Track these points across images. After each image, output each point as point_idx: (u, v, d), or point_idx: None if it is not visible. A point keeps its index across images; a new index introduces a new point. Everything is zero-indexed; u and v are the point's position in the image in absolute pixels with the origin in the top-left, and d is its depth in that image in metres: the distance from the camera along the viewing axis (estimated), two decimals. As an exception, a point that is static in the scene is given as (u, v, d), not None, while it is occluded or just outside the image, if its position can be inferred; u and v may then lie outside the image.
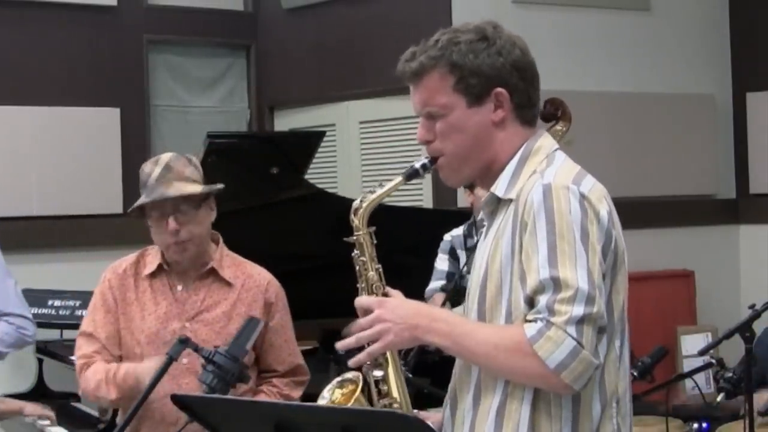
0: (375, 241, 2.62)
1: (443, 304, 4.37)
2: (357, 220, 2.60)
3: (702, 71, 7.43)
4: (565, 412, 2.39)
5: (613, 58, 7.05)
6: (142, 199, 3.50)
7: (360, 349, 2.48)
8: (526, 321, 2.32)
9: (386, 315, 2.42)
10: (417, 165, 2.56)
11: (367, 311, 2.45)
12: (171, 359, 3.17)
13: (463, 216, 5.08)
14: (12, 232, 6.90)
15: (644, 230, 6.84)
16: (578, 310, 2.28)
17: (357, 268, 2.61)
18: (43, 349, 5.70)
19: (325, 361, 4.84)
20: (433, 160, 2.54)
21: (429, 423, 2.25)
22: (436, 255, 5.09)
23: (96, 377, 3.53)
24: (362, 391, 2.72)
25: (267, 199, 5.34)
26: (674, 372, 6.00)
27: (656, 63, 7.21)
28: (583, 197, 2.38)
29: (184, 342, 3.18)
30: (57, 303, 6.02)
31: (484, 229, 2.58)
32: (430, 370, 4.11)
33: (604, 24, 7.05)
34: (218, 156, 4.96)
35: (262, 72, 7.93)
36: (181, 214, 3.49)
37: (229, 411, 2.55)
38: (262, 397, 3.56)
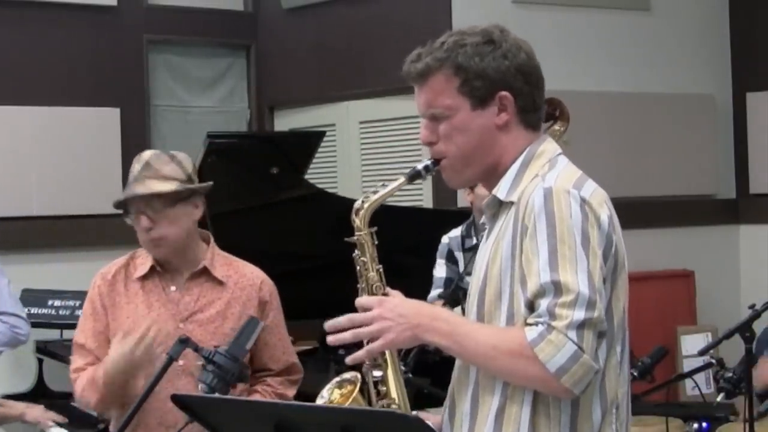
0: (376, 242, 2.62)
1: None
2: (358, 221, 2.60)
3: (702, 71, 7.43)
4: (564, 416, 2.39)
5: (613, 58, 7.05)
6: (118, 198, 3.53)
7: (359, 346, 2.48)
8: (527, 324, 2.32)
9: (387, 313, 2.42)
10: (419, 166, 2.56)
11: (367, 310, 2.45)
12: (171, 359, 3.17)
13: (463, 216, 5.08)
14: (12, 232, 6.91)
15: (644, 230, 6.83)
16: (579, 314, 2.28)
17: (358, 268, 2.61)
18: (43, 349, 5.70)
19: (325, 361, 4.84)
20: (436, 161, 2.54)
21: (429, 423, 2.25)
22: (436, 255, 5.08)
23: (81, 383, 3.54)
24: (361, 391, 2.72)
25: (267, 199, 5.34)
26: (674, 372, 6.00)
27: (656, 63, 7.20)
28: (584, 201, 2.38)
29: (184, 342, 3.18)
30: (57, 303, 6.02)
31: (486, 232, 2.58)
32: (430, 370, 4.10)
33: (604, 24, 7.05)
34: (218, 156, 4.96)
35: (262, 72, 7.93)
36: (154, 212, 3.48)
37: (229, 411, 2.55)
38: (256, 397, 3.54)
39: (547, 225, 2.35)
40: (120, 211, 3.60)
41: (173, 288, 3.58)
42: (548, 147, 2.53)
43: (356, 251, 2.61)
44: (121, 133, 7.29)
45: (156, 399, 3.33)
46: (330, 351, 4.90)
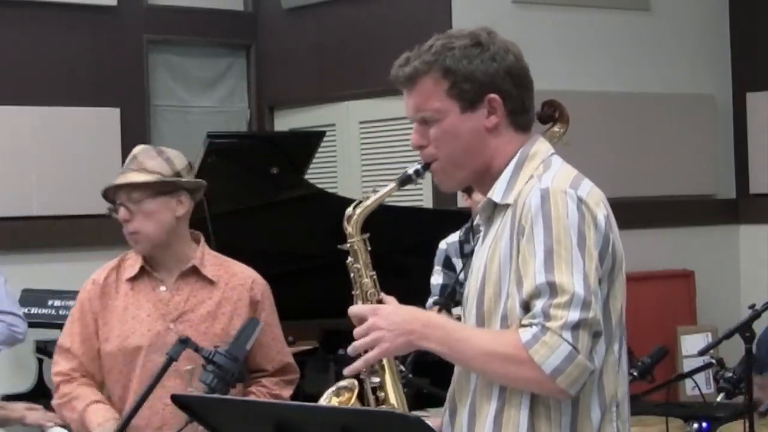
0: (369, 248, 2.61)
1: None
2: (350, 228, 2.59)
3: (702, 71, 7.43)
4: (564, 418, 2.39)
5: (613, 58, 7.05)
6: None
7: (357, 356, 2.48)
8: (522, 326, 2.32)
9: (380, 322, 2.42)
10: (410, 171, 2.56)
11: (362, 320, 2.45)
12: (171, 359, 3.17)
13: (462, 216, 5.07)
14: (12, 232, 6.91)
15: (644, 230, 6.83)
16: (574, 315, 2.28)
17: (352, 275, 2.60)
18: (43, 349, 5.70)
19: (325, 361, 4.85)
20: (426, 165, 2.54)
21: (429, 423, 2.25)
22: (435, 255, 5.08)
23: (61, 400, 3.57)
24: (359, 398, 2.72)
25: (267, 199, 5.35)
26: (674, 372, 5.99)
27: (656, 63, 7.20)
28: (580, 201, 2.38)
29: (185, 342, 3.18)
30: (57, 303, 6.01)
31: (481, 235, 2.58)
32: (430, 370, 4.10)
33: (604, 24, 7.05)
34: (218, 156, 4.96)
35: (262, 72, 7.92)
36: (132, 204, 3.48)
37: (229, 411, 2.55)
38: (251, 398, 3.52)
39: (544, 226, 2.35)
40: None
41: (163, 288, 3.57)
42: (541, 147, 2.53)
43: (349, 258, 2.60)
44: (121, 133, 7.29)
45: (153, 399, 3.33)
46: (330, 351, 4.92)
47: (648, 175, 7.15)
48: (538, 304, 2.30)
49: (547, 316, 2.29)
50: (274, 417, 2.35)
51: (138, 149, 3.57)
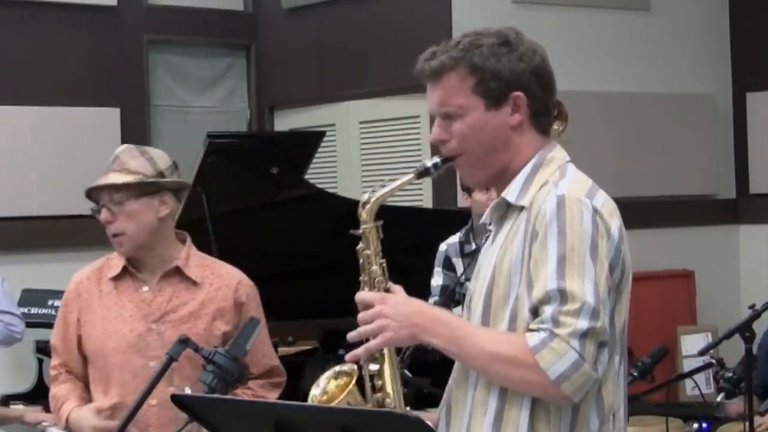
0: (381, 236, 2.60)
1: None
2: (365, 213, 2.58)
3: (702, 71, 7.43)
4: (563, 424, 2.40)
5: (613, 58, 7.05)
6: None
7: (359, 343, 2.48)
8: (530, 330, 2.33)
9: (387, 311, 2.42)
10: (429, 164, 2.56)
11: (368, 306, 2.45)
12: (171, 359, 3.16)
13: (462, 216, 5.07)
14: (12, 232, 6.91)
15: (644, 230, 6.83)
16: (583, 323, 2.30)
17: (361, 261, 2.59)
18: (43, 349, 5.69)
19: (325, 361, 4.84)
20: (446, 159, 2.54)
21: (429, 423, 2.25)
22: (435, 255, 5.08)
23: (54, 392, 3.60)
24: (358, 384, 2.71)
25: (267, 199, 5.34)
26: (674, 372, 5.99)
27: (656, 63, 7.20)
28: (595, 212, 2.40)
29: (185, 342, 3.17)
30: (57, 303, 5.98)
31: (492, 234, 2.57)
32: (430, 370, 4.10)
33: (604, 24, 7.05)
34: (218, 156, 4.96)
35: (262, 72, 7.93)
36: (114, 205, 3.46)
37: (229, 411, 2.55)
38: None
39: (558, 232, 2.36)
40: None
41: (145, 288, 3.54)
42: (558, 154, 2.54)
43: (361, 243, 2.59)
44: (121, 133, 7.28)
45: (129, 401, 3.33)
46: (330, 351, 4.91)
47: (648, 175, 7.15)
48: (548, 310, 2.31)
49: (556, 322, 2.30)
50: (274, 417, 2.35)
51: (120, 149, 3.53)
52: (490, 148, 2.50)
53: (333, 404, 2.65)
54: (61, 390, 3.60)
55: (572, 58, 6.83)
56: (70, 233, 7.05)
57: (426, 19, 6.65)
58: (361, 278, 2.59)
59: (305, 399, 2.81)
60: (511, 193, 2.49)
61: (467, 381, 2.49)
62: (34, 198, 7.07)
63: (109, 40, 7.40)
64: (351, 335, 2.46)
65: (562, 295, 2.31)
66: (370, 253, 2.58)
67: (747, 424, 4.19)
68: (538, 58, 2.53)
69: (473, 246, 4.76)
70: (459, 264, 4.87)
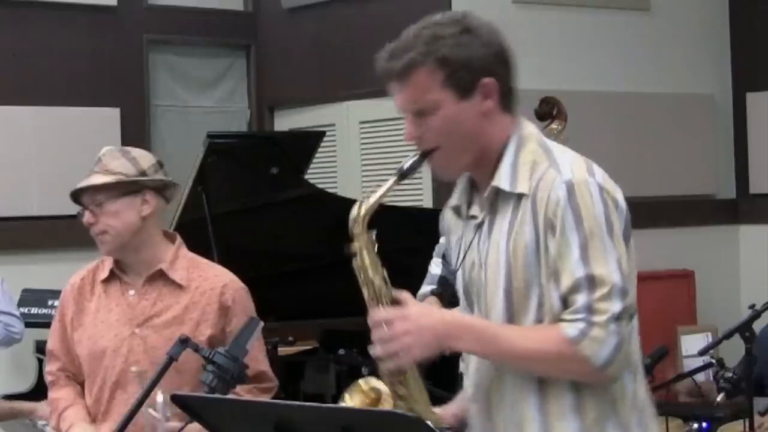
0: (376, 244, 2.56)
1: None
2: (357, 227, 2.53)
3: (702, 71, 7.42)
4: (608, 393, 2.43)
5: (613, 58, 7.04)
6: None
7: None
8: (564, 320, 2.35)
9: (410, 327, 2.40)
10: (406, 164, 2.55)
11: (386, 323, 2.41)
12: (171, 359, 3.15)
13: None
14: (12, 232, 6.90)
15: (644, 230, 6.79)
16: (616, 306, 2.33)
17: (361, 277, 2.53)
18: (43, 349, 5.69)
19: (325, 361, 4.84)
20: (422, 156, 2.53)
21: (429, 423, 2.25)
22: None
23: (52, 396, 3.59)
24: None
25: (267, 199, 5.34)
26: (674, 372, 5.99)
27: (656, 63, 7.20)
28: (601, 189, 2.43)
29: (185, 342, 3.16)
30: (57, 303, 6.00)
31: (485, 223, 2.52)
32: (430, 370, 4.10)
33: (604, 24, 7.05)
34: (218, 156, 4.96)
35: (262, 72, 7.92)
36: (96, 206, 3.43)
37: (229, 411, 2.55)
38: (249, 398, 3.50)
39: (575, 220, 2.37)
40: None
41: (132, 292, 3.51)
42: (530, 129, 2.55)
43: (356, 259, 2.53)
44: (121, 133, 7.28)
45: (116, 404, 3.33)
46: (330, 351, 4.91)
47: (648, 175, 7.14)
48: (580, 300, 2.34)
49: (590, 310, 2.33)
50: (274, 417, 2.35)
51: (103, 150, 3.50)
52: (467, 137, 2.49)
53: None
54: (60, 394, 3.58)
55: (572, 58, 6.83)
56: (70, 233, 7.00)
57: (426, 19, 6.64)
58: (365, 295, 2.53)
59: (305, 399, 2.81)
60: (503, 181, 2.48)
61: (498, 374, 2.49)
62: (34, 198, 7.06)
63: (109, 40, 7.40)
64: (376, 353, 2.42)
65: (591, 281, 2.34)
66: (368, 266, 2.53)
67: (747, 423, 4.19)
68: (498, 40, 2.51)
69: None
70: None
